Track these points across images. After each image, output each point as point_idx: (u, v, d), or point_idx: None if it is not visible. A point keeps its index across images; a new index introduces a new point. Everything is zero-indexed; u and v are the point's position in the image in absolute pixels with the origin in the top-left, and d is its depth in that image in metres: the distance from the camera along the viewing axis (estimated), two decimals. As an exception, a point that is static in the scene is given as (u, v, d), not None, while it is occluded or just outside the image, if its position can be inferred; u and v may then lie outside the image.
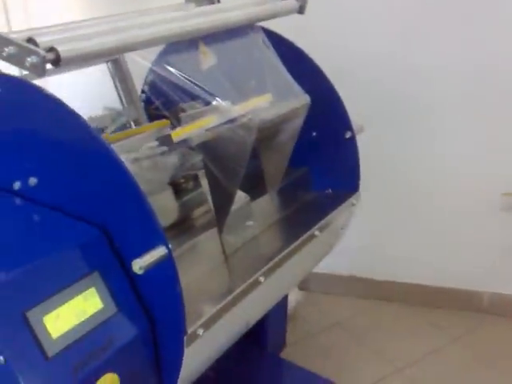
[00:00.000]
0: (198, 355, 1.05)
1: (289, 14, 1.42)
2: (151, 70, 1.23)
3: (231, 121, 1.16)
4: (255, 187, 1.38)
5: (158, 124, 1.17)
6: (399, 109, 2.01)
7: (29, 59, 0.87)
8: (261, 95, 1.30)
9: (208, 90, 1.20)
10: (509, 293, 2.11)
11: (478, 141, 1.97)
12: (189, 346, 0.98)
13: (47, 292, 0.87)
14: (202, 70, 1.26)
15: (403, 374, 1.88)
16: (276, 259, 1.21)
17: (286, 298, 1.79)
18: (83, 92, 1.91)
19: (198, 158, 1.25)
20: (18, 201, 1.02)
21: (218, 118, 1.16)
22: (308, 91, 1.34)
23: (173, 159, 1.21)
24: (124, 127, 1.45)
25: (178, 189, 1.29)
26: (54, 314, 0.86)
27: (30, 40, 0.90)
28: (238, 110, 1.17)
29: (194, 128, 1.12)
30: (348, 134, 1.48)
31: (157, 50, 1.30)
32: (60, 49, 0.89)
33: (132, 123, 1.50)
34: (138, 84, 1.57)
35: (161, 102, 1.17)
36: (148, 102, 1.50)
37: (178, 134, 1.09)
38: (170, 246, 0.92)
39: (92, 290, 0.92)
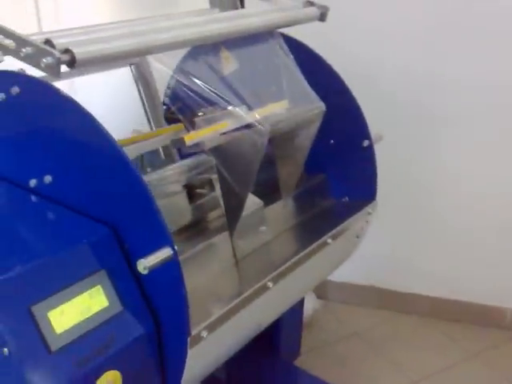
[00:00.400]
0: (201, 357, 1.05)
1: (310, 21, 1.42)
2: (173, 76, 1.25)
3: (245, 126, 1.17)
4: (270, 193, 1.39)
5: (173, 128, 1.19)
6: (418, 119, 2.00)
7: (44, 60, 0.89)
8: (278, 101, 1.30)
9: (226, 95, 1.21)
10: (532, 310, 2.07)
11: (497, 154, 1.95)
12: (192, 348, 0.99)
13: (53, 288, 0.89)
14: (222, 76, 1.27)
15: (419, 387, 1.86)
16: (285, 265, 1.20)
17: (301, 304, 1.78)
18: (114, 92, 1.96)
19: (212, 163, 1.26)
20: (32, 198, 1.05)
21: (232, 123, 1.17)
22: (326, 98, 1.34)
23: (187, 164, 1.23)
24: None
25: (192, 192, 1.30)
26: (58, 309, 0.88)
27: (48, 42, 0.93)
28: (252, 115, 1.18)
29: (208, 132, 1.13)
30: (366, 143, 1.47)
31: (180, 56, 1.33)
32: (75, 51, 0.92)
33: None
34: (162, 90, 1.59)
35: (178, 107, 1.18)
36: (169, 108, 1.52)
37: (191, 138, 1.11)
38: (175, 247, 0.93)
39: (98, 288, 0.94)
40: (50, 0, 2.20)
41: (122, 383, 0.93)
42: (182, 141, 1.10)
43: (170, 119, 1.23)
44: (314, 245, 1.29)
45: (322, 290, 2.25)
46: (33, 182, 1.06)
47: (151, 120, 1.51)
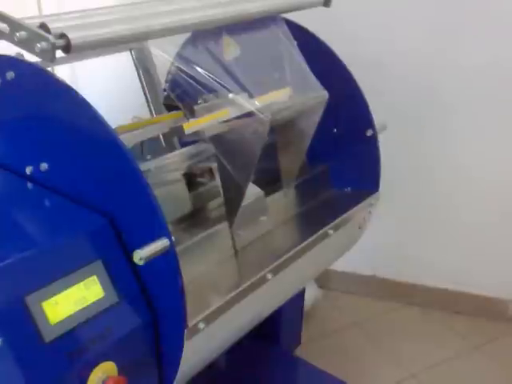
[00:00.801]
0: (198, 349, 1.04)
1: (314, 6, 1.39)
2: (173, 63, 1.22)
3: (246, 114, 1.14)
4: (270, 182, 1.37)
5: (171, 116, 1.17)
6: (425, 107, 1.96)
7: (38, 45, 0.87)
8: (280, 88, 1.28)
9: (226, 82, 1.19)
10: (536, 303, 2.05)
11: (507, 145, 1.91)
12: (189, 340, 0.97)
13: (47, 278, 0.87)
14: (223, 62, 1.25)
15: (419, 379, 1.85)
16: (285, 257, 1.19)
17: (302, 294, 1.77)
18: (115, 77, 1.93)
19: (213, 151, 1.24)
20: (27, 185, 1.03)
21: (233, 111, 1.15)
22: (329, 85, 1.31)
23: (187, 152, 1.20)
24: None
25: (191, 181, 1.28)
26: (53, 300, 0.87)
27: (43, 26, 0.90)
28: (253, 103, 1.16)
29: (207, 120, 1.11)
30: (369, 132, 1.45)
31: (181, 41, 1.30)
32: (71, 36, 0.89)
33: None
34: (163, 76, 1.57)
35: (177, 94, 1.16)
36: (169, 95, 1.50)
37: (190, 126, 1.08)
38: (172, 238, 0.92)
39: (94, 278, 0.92)
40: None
41: (117, 374, 0.92)
42: (180, 129, 1.08)
43: (170, 106, 1.21)
44: (315, 236, 1.28)
45: (324, 280, 2.23)
46: (29, 169, 1.05)
47: (152, 106, 1.49)
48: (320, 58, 1.38)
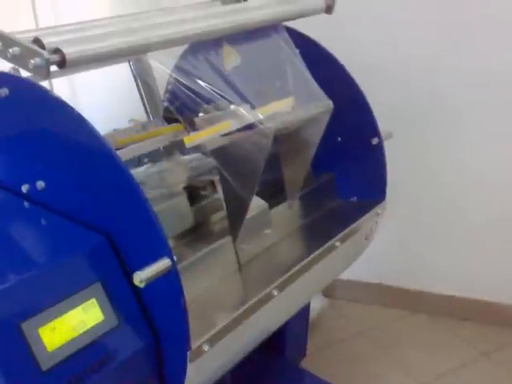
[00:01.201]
0: (202, 371, 1.01)
1: (315, 13, 1.36)
2: (172, 73, 1.19)
3: (248, 126, 1.11)
4: (274, 194, 1.34)
5: (171, 128, 1.13)
6: (429, 112, 1.93)
7: (32, 61, 0.84)
8: (282, 98, 1.24)
9: (227, 93, 1.15)
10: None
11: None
12: (192, 362, 0.94)
13: (44, 302, 0.84)
14: (223, 72, 1.21)
15: (427, 389, 1.81)
16: (291, 272, 1.15)
17: (307, 305, 1.73)
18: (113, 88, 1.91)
19: (214, 164, 1.20)
20: (23, 204, 1.00)
21: (235, 123, 1.11)
22: (333, 94, 1.28)
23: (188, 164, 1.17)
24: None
25: (193, 194, 1.25)
26: (50, 325, 0.84)
27: (36, 40, 0.87)
28: (255, 114, 1.12)
29: (209, 133, 1.07)
30: (375, 141, 1.42)
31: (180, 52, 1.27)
32: (66, 51, 0.86)
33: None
34: (162, 88, 1.54)
35: (176, 107, 1.13)
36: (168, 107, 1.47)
37: (191, 139, 1.05)
38: (174, 257, 0.88)
39: (92, 301, 0.89)
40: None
41: (118, 400, 0.89)
42: (181, 143, 1.04)
43: (170, 119, 1.18)
44: (322, 249, 1.24)
45: (329, 288, 2.20)
46: (25, 188, 1.02)
47: (151, 119, 1.45)
48: (323, 66, 1.35)
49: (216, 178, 1.24)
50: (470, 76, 1.85)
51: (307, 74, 1.27)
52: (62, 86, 1.83)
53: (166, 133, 1.14)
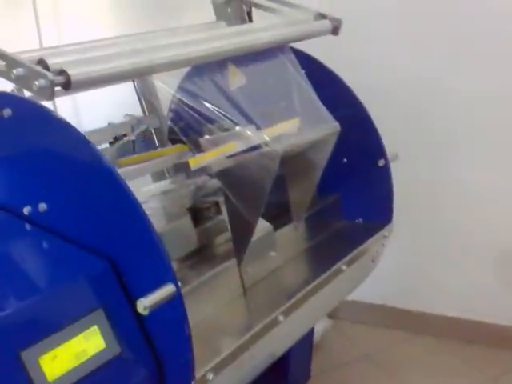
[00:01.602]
0: (207, 400, 0.98)
1: (322, 35, 1.35)
2: (176, 93, 1.18)
3: (254, 148, 1.09)
4: (279, 216, 1.31)
5: (176, 149, 1.11)
6: (434, 135, 1.92)
7: (36, 82, 0.82)
8: (288, 119, 1.23)
9: (232, 114, 1.14)
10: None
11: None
12: (197, 391, 0.91)
13: (45, 330, 0.81)
14: (228, 93, 1.20)
15: (433, 414, 1.77)
16: (297, 297, 1.13)
17: (312, 328, 1.70)
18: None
19: (218, 185, 1.18)
20: (24, 227, 0.97)
21: (240, 145, 1.09)
22: (339, 115, 1.26)
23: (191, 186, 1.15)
24: (144, 134, 1.42)
25: (197, 216, 1.23)
26: (50, 354, 0.81)
27: (41, 61, 0.86)
28: (261, 136, 1.10)
29: (214, 155, 1.05)
30: (381, 162, 1.40)
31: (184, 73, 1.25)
32: (71, 72, 0.85)
33: (153, 131, 1.46)
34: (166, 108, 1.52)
35: (181, 128, 1.11)
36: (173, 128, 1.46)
37: (196, 162, 1.03)
38: (178, 282, 0.86)
39: (94, 329, 0.86)
40: (51, 15, 2.13)
41: (120, 431, 0.86)
42: (186, 165, 1.02)
43: (175, 140, 1.16)
44: (328, 272, 1.22)
45: (333, 310, 2.16)
46: (27, 210, 0.99)
47: (155, 138, 1.44)
48: (328, 87, 1.33)
49: (221, 199, 1.22)
50: (469, 98, 1.84)
51: (313, 96, 1.25)
52: (64, 103, 1.82)
53: (171, 153, 1.12)
